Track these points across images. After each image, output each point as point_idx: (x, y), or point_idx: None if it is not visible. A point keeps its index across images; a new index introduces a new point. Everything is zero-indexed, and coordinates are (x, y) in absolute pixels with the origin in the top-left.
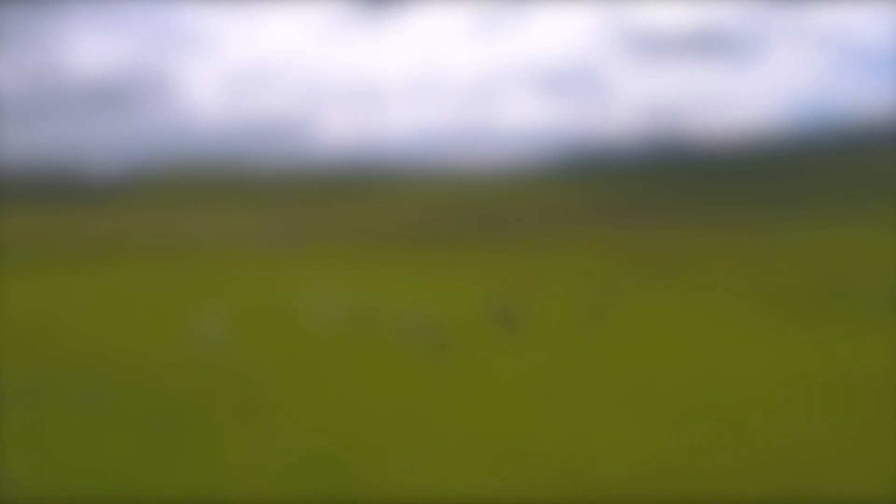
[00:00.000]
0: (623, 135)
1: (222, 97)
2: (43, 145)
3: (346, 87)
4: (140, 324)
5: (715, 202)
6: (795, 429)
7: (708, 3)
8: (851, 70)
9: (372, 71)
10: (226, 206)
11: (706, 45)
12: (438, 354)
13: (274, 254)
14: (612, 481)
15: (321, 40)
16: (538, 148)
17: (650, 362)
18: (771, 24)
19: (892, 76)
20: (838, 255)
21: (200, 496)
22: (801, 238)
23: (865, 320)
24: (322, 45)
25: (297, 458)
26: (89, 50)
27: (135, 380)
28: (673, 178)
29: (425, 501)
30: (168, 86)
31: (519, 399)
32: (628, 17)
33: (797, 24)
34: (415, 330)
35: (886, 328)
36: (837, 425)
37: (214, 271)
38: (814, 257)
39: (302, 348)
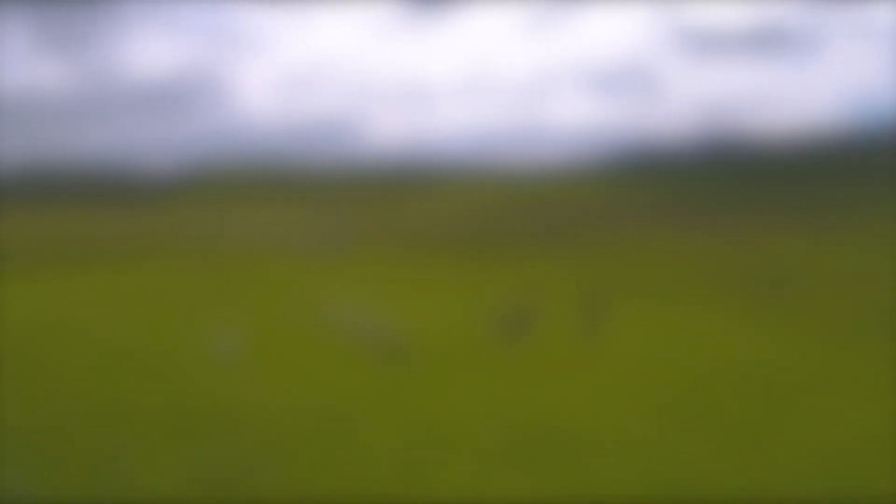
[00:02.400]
0: (677, 134)
1: (274, 98)
2: (98, 145)
3: (398, 87)
4: (158, 332)
5: (774, 203)
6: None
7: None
8: None
9: (423, 71)
10: (275, 206)
11: (762, 43)
12: (402, 366)
13: (315, 257)
14: None
15: (372, 41)
16: (590, 148)
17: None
18: (829, 20)
19: None
20: None
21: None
22: (879, 244)
23: None
24: (373, 46)
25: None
26: (144, 51)
27: (125, 405)
28: (729, 178)
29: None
30: (221, 86)
31: (428, 422)
32: (682, 15)
33: (855, 21)
34: (383, 340)
35: None
36: None
37: (250, 275)
38: None
39: (300, 362)
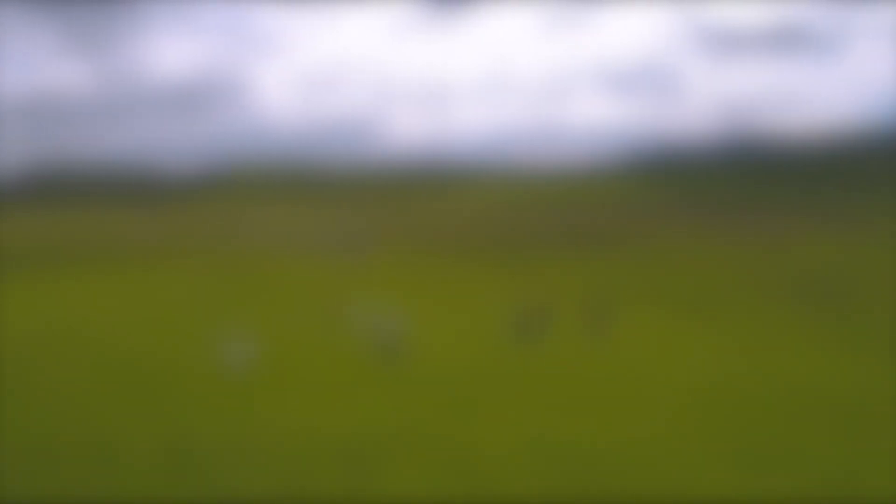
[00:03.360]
0: (697, 134)
1: (294, 98)
2: (121, 146)
3: (417, 86)
4: (167, 336)
5: (795, 203)
6: None
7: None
8: None
9: (442, 71)
10: (295, 205)
11: (781, 42)
12: (421, 373)
13: (335, 258)
14: None
15: (392, 41)
16: (610, 148)
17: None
18: (848, 19)
19: None
20: None
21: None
22: None
23: None
24: (393, 46)
25: None
26: (166, 52)
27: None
28: (749, 177)
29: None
30: (242, 87)
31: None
32: (701, 15)
33: (876, 20)
34: (400, 345)
35: None
36: None
37: (270, 277)
38: None
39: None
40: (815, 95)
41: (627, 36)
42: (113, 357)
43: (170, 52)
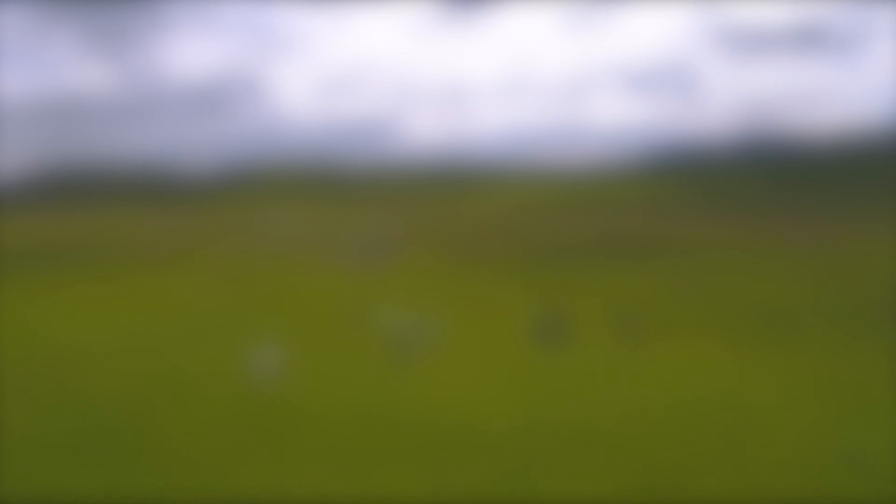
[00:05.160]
0: (718, 133)
1: (314, 98)
2: (140, 146)
3: (437, 86)
4: (185, 344)
5: (820, 205)
6: None
7: None
8: None
9: (462, 70)
10: (316, 206)
11: (803, 41)
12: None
13: (357, 261)
14: None
15: (411, 41)
16: (630, 147)
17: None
18: (873, 18)
19: None
20: None
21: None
22: None
23: None
24: (412, 46)
25: None
26: (185, 52)
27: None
28: (771, 178)
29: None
30: (262, 87)
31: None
32: (722, 13)
33: None
34: (424, 349)
35: None
36: None
37: (287, 281)
38: None
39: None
40: (838, 95)
41: (647, 35)
42: (127, 366)
43: (189, 52)
